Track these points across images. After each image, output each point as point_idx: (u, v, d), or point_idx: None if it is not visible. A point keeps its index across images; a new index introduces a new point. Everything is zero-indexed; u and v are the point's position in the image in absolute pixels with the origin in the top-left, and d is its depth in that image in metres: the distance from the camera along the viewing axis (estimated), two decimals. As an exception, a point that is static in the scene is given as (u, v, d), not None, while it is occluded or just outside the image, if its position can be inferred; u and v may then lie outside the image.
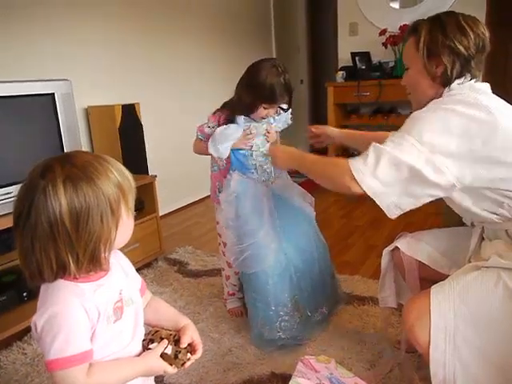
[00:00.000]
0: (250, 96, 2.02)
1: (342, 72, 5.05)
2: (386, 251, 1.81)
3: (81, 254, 1.06)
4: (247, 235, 2.06)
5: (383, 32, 4.86)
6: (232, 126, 2.08)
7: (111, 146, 3.57)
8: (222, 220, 2.15)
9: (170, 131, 4.58)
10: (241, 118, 2.09)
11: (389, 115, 4.95)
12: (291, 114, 2.26)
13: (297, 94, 6.89)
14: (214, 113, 2.18)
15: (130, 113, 3.60)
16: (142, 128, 3.75)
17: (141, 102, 3.80)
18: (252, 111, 2.07)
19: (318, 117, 7.79)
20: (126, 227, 1.12)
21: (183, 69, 4.69)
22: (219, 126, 2.12)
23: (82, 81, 3.60)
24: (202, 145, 2.19)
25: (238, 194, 2.08)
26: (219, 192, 2.20)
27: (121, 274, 1.21)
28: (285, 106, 2.16)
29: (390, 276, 1.77)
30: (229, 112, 2.12)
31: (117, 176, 1.11)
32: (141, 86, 4.17)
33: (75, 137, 2.92)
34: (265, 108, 2.06)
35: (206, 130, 2.19)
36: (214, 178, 2.26)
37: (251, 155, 2.15)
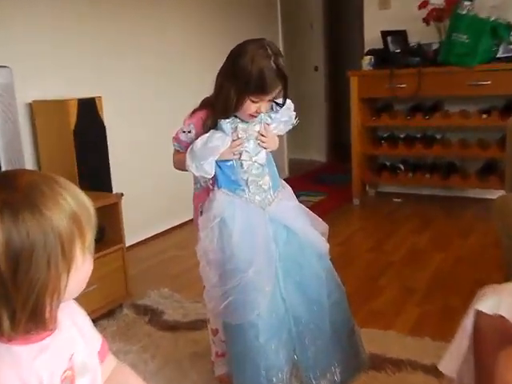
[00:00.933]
0: (232, 87, 2.07)
1: (369, 57, 5.20)
2: (474, 310, 1.76)
3: (18, 308, 1.03)
4: (233, 274, 2.09)
5: (424, 4, 5.02)
6: (216, 135, 2.12)
7: (62, 152, 3.62)
8: (199, 252, 2.16)
9: (141, 134, 4.66)
10: (226, 124, 2.13)
11: (432, 114, 5.13)
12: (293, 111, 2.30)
13: (310, 84, 7.46)
14: (191, 114, 2.23)
15: (88, 110, 3.68)
16: (105, 130, 3.82)
17: (103, 96, 3.85)
18: (237, 108, 2.11)
19: (338, 116, 7.96)
20: (81, 272, 1.11)
21: (161, 52, 4.78)
22: (198, 130, 2.17)
23: (26, 68, 3.66)
24: (182, 158, 2.21)
25: (222, 218, 2.09)
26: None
27: (72, 333, 1.20)
28: (280, 101, 2.20)
29: (466, 345, 1.76)
30: (208, 111, 2.17)
31: (72, 204, 1.09)
32: (104, 75, 4.25)
33: (14, 141, 2.93)
34: (253, 101, 2.08)
35: (182, 136, 2.24)
36: (197, 198, 2.30)
37: (241, 166, 2.18)
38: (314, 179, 6.84)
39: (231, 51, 2.11)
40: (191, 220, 2.56)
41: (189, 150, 2.15)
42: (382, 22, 5.49)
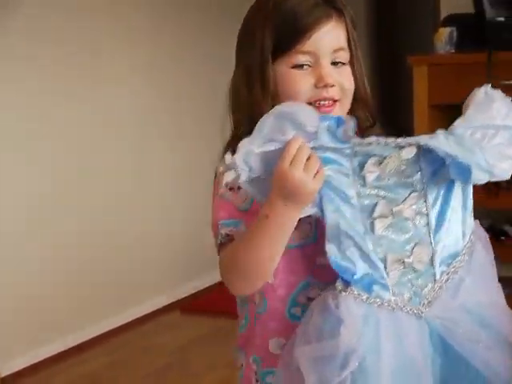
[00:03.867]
0: (249, 59, 1.58)
1: (448, 29, 4.20)
2: None
3: None
4: None
5: None
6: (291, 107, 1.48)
7: None
8: None
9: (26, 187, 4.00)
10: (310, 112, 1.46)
11: None
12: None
13: None
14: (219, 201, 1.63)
15: None
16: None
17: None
18: (288, 86, 1.55)
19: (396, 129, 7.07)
20: None
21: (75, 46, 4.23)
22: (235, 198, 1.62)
23: None
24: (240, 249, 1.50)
25: (362, 359, 1.52)
26: None
27: None
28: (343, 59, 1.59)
29: None
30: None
31: None
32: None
33: None
34: (297, 66, 1.53)
35: (227, 196, 1.58)
36: (249, 337, 1.65)
37: (372, 229, 1.59)
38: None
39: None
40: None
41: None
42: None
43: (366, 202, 1.55)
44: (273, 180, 1.38)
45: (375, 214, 1.57)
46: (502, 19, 4.02)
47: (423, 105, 4.17)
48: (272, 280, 1.55)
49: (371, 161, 1.52)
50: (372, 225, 1.57)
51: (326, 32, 1.49)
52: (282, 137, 1.42)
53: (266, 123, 1.45)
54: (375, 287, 1.57)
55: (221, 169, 1.51)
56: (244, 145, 1.43)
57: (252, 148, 1.43)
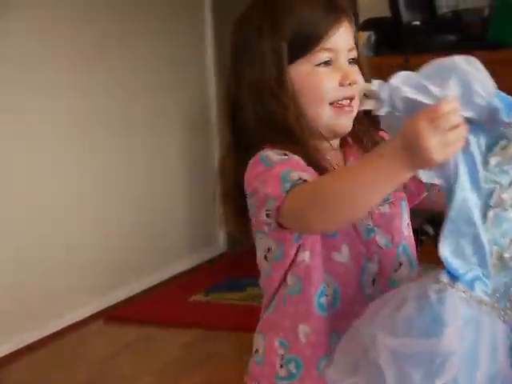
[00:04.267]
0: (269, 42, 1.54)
1: (366, 33, 4.35)
2: None
3: None
4: None
5: None
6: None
7: None
8: None
9: None
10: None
11: None
12: None
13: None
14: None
15: None
16: None
17: None
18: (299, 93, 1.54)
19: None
20: None
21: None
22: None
23: None
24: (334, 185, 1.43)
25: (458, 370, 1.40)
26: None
27: None
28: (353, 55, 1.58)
29: None
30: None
31: None
32: None
33: None
34: (320, 64, 1.52)
35: (293, 158, 1.51)
36: (277, 324, 1.62)
37: (484, 215, 1.46)
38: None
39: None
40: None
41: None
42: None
43: (486, 187, 1.46)
44: (406, 129, 1.30)
45: (491, 202, 1.48)
46: (417, 23, 4.19)
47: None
48: (309, 261, 1.54)
49: (500, 144, 1.45)
50: (486, 213, 1.48)
51: (343, 31, 1.51)
52: (438, 89, 1.33)
53: (432, 71, 1.36)
54: (477, 285, 1.45)
55: (264, 154, 1.50)
56: (398, 80, 1.35)
57: (403, 89, 1.35)
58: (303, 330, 1.52)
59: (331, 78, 1.47)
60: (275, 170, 1.44)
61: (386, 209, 1.56)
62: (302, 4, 1.53)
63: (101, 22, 4.59)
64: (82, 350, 3.64)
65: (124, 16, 4.72)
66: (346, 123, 1.50)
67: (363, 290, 1.50)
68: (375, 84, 1.32)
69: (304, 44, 1.49)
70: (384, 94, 1.32)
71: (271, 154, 1.46)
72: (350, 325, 1.44)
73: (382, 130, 1.53)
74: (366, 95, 1.27)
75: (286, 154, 1.46)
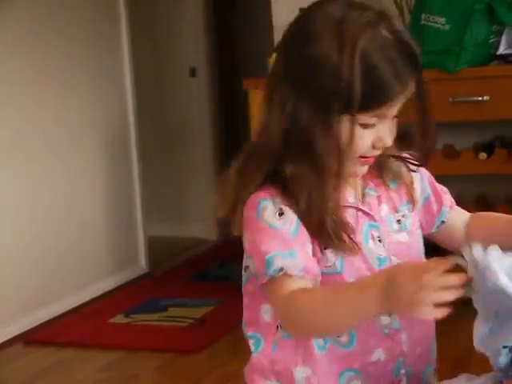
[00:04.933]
0: (312, 108, 1.43)
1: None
2: None
3: None
4: None
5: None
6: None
7: None
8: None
9: None
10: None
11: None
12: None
13: (184, 98, 6.64)
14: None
15: None
16: None
17: None
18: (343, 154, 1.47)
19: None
20: None
21: None
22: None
23: None
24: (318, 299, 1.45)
25: None
26: None
27: None
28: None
29: None
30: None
31: None
32: None
33: None
34: (363, 125, 1.45)
35: (279, 225, 1.47)
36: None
37: None
38: (196, 275, 5.24)
39: (290, 32, 1.51)
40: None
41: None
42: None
43: None
44: (392, 275, 1.27)
45: None
46: None
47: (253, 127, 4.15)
48: None
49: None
50: None
51: (403, 98, 1.43)
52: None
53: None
54: None
55: (262, 204, 1.42)
56: (494, 261, 1.29)
57: (500, 280, 1.29)
58: (301, 372, 1.51)
59: (367, 139, 1.42)
60: (262, 241, 1.42)
61: (403, 237, 1.53)
62: (382, 55, 1.41)
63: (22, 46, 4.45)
64: (1, 372, 3.58)
65: (44, 41, 4.60)
66: (363, 170, 1.48)
67: (379, 321, 1.48)
68: (468, 258, 1.29)
69: (364, 102, 1.38)
70: (476, 275, 1.28)
71: (267, 209, 1.43)
72: (366, 361, 1.47)
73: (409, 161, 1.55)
74: (459, 265, 1.20)
75: (281, 212, 1.42)
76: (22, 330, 3.92)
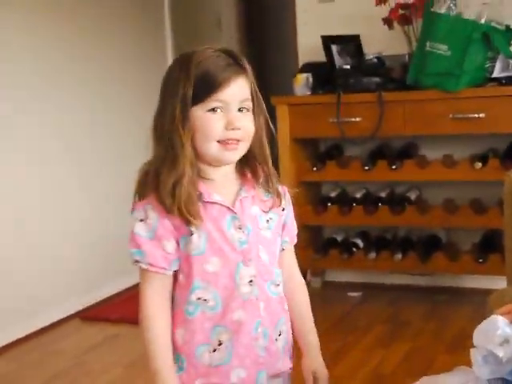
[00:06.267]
0: (173, 104, 1.76)
1: (304, 75, 4.57)
2: None
3: None
4: None
5: (384, -1, 4.38)
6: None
7: None
8: None
9: None
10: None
11: (401, 162, 4.36)
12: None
13: None
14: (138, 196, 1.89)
15: None
16: None
17: None
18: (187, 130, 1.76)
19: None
20: None
21: None
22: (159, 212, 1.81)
23: None
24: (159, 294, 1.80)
25: None
26: None
27: None
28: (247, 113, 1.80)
29: None
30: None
31: None
32: None
33: None
34: (211, 110, 1.74)
35: (141, 230, 1.78)
36: None
37: None
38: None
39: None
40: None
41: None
42: (325, 22, 4.76)
43: None
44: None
45: None
46: (348, 67, 4.47)
47: (285, 137, 4.52)
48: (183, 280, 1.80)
49: None
50: None
51: (235, 86, 1.75)
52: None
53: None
54: None
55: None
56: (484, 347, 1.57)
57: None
58: (180, 333, 1.82)
59: (217, 122, 1.73)
60: (131, 238, 1.81)
61: (268, 234, 1.85)
62: (209, 62, 1.76)
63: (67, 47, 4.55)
64: (60, 345, 3.89)
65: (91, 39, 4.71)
66: (230, 157, 1.78)
67: (240, 289, 1.79)
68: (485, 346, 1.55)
69: (202, 93, 1.73)
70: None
71: (136, 214, 1.83)
72: (230, 319, 1.77)
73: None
74: None
75: (142, 219, 1.79)
76: (79, 308, 4.24)
